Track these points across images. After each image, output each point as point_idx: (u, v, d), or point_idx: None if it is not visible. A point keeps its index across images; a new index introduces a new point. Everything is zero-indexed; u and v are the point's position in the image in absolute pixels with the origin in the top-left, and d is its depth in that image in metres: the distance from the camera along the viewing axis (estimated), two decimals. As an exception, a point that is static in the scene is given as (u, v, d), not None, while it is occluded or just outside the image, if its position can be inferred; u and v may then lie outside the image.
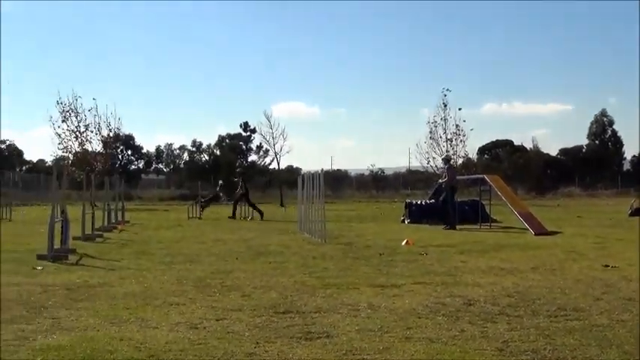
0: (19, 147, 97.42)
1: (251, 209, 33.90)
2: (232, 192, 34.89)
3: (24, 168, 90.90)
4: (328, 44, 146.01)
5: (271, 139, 63.05)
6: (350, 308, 8.74)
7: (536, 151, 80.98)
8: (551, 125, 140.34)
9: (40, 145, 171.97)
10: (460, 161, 49.58)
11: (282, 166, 68.37)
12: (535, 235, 21.20)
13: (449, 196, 25.28)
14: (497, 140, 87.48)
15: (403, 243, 17.83)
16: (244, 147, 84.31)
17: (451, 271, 12.47)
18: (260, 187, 77.69)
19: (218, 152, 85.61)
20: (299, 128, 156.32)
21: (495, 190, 25.50)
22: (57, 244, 15.04)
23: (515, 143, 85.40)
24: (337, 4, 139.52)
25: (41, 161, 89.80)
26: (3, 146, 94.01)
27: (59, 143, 52.95)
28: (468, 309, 8.70)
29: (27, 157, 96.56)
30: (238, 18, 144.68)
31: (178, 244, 18.39)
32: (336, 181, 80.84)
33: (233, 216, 32.98)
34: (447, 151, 48.10)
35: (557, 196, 66.10)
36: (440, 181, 26.99)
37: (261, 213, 32.57)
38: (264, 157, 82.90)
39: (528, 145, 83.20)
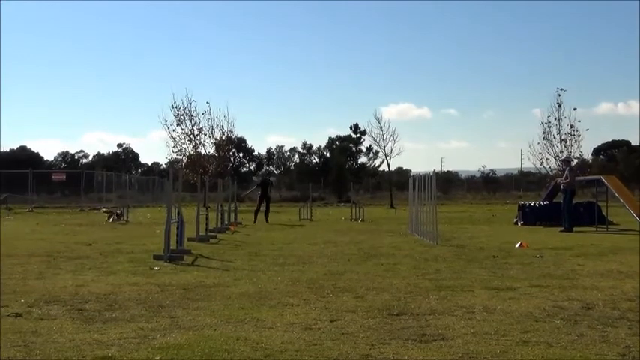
0: (135, 150, 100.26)
1: (361, 211, 34.01)
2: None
3: (139, 171, 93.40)
4: (436, 44, 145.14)
5: (381, 141, 62.80)
6: (465, 311, 8.63)
7: (654, 152, 78.58)
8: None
9: (154, 148, 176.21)
10: (575, 162, 48.41)
11: (392, 167, 68.12)
12: (654, 237, 20.55)
13: (568, 199, 24.76)
14: (613, 141, 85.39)
15: (517, 245, 17.55)
16: (354, 149, 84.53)
17: (568, 274, 12.19)
18: (370, 189, 77.84)
19: (328, 154, 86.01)
20: (408, 129, 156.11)
21: (612, 191, 24.84)
22: (173, 245, 15.33)
23: (633, 144, 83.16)
24: (445, 4, 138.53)
25: (156, 164, 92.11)
26: (120, 150, 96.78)
27: (174, 146, 54.01)
28: (587, 313, 8.48)
29: (142, 160, 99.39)
30: (347, 20, 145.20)
31: (290, 245, 18.52)
32: (446, 183, 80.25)
33: (266, 219, 31.81)
34: (561, 152, 46.99)
35: (676, 197, 63.97)
36: (559, 181, 26.41)
37: (255, 217, 31.47)
38: (374, 159, 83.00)
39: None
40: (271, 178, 35.24)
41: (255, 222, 30.45)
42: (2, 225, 27.26)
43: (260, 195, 32.85)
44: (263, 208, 32.23)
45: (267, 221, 30.99)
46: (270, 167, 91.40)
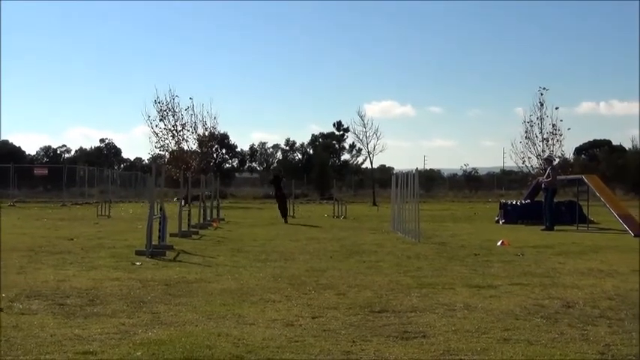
0: (118, 145, 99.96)
1: (344, 208, 33.94)
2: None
3: (122, 166, 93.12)
4: (420, 42, 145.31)
5: (364, 139, 62.74)
6: (446, 308, 8.66)
7: (636, 151, 78.98)
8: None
9: (137, 143, 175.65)
10: (557, 161, 48.62)
11: (375, 165, 68.18)
12: (634, 236, 20.70)
13: (549, 198, 24.86)
14: (594, 140, 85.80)
15: (499, 243, 17.61)
16: (337, 146, 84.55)
17: (549, 272, 12.26)
18: (352, 187, 77.92)
19: (311, 151, 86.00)
20: (392, 127, 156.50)
21: (593, 190, 24.95)
22: (155, 241, 15.30)
23: (614, 143, 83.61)
24: (430, 4, 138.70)
25: (138, 159, 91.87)
26: (102, 145, 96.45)
27: (156, 142, 53.86)
28: (567, 311, 8.53)
29: (125, 155, 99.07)
30: (331, 18, 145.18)
31: (272, 241, 18.52)
32: (428, 181, 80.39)
33: (284, 219, 28.91)
34: (543, 151, 47.19)
35: (657, 197, 64.27)
36: (541, 180, 26.53)
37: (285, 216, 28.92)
38: (357, 156, 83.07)
39: (627, 145, 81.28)
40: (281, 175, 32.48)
41: (285, 221, 28.22)
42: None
43: (275, 193, 30.58)
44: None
45: (285, 221, 28.33)
46: (253, 163, 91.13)
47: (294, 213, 34.57)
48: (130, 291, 9.88)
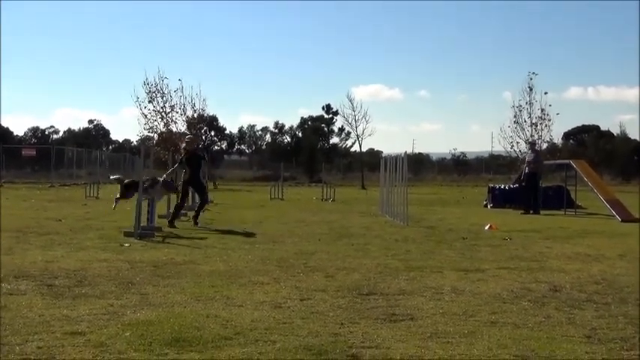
0: (106, 127, 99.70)
1: (332, 191, 33.82)
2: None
3: (110, 147, 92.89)
4: (408, 25, 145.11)
5: (353, 122, 62.65)
6: (434, 291, 8.70)
7: (624, 137, 79.29)
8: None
9: (126, 125, 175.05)
10: (545, 146, 48.70)
11: (364, 148, 68.14)
12: (621, 221, 20.81)
13: (535, 182, 24.97)
14: (583, 125, 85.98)
15: (486, 227, 17.67)
16: (326, 129, 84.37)
17: (536, 256, 12.31)
18: (341, 170, 77.96)
19: (300, 134, 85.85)
20: (380, 110, 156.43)
21: (581, 175, 25.03)
22: (143, 222, 15.29)
23: (602, 128, 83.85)
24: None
25: (127, 141, 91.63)
26: (91, 126, 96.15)
27: (145, 123, 53.62)
28: (554, 295, 8.58)
29: (113, 136, 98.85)
30: (320, 1, 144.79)
31: (261, 224, 18.51)
32: (417, 165, 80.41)
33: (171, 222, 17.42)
34: (532, 136, 47.27)
35: (644, 182, 64.50)
36: (527, 160, 26.64)
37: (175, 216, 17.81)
38: (346, 139, 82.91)
39: (615, 131, 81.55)
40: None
41: (173, 224, 17.27)
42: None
43: (188, 178, 18.53)
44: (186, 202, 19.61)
45: (196, 222, 18.02)
46: (242, 146, 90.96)
47: (282, 196, 34.55)
48: (119, 272, 9.88)
